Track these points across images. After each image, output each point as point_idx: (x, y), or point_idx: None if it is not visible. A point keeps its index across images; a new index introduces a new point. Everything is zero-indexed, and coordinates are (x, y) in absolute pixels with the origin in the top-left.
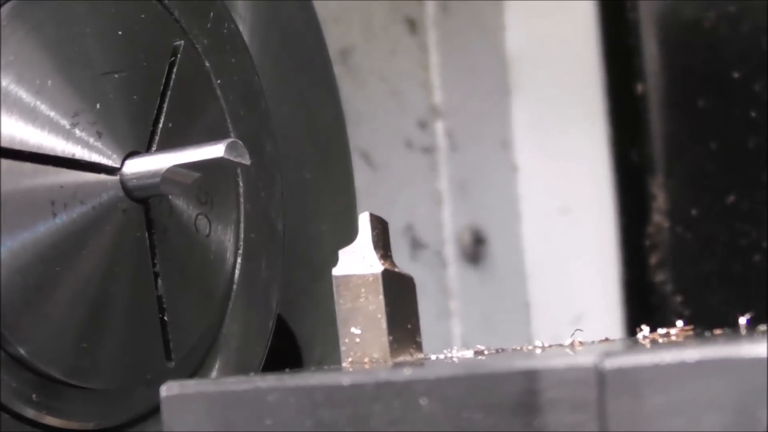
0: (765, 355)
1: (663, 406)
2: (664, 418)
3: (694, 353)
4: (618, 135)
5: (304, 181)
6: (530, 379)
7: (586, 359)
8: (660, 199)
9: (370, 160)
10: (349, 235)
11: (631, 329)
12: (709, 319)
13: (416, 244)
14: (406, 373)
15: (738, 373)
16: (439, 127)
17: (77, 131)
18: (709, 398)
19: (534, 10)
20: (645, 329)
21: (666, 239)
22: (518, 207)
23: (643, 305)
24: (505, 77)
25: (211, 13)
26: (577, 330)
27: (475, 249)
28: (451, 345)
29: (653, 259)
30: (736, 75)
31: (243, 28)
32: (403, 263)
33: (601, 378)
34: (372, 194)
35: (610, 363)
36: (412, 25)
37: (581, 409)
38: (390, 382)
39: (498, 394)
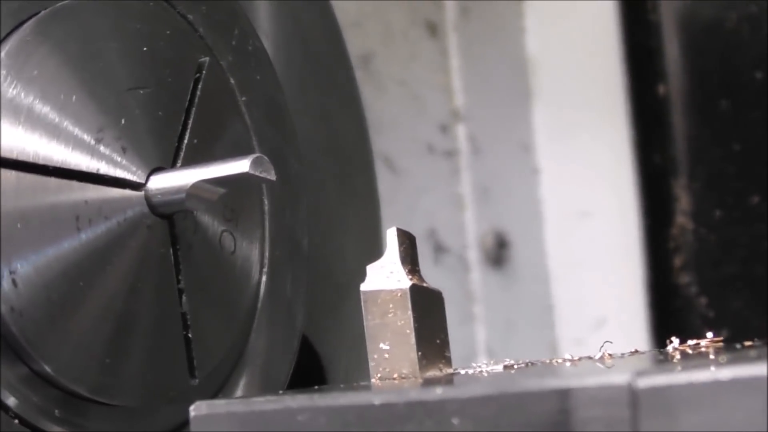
0: None
1: (697, 425)
2: None
3: (727, 372)
4: (640, 137)
5: (327, 195)
6: (563, 398)
7: (619, 378)
8: (683, 201)
9: (392, 165)
10: (373, 250)
11: (656, 332)
12: (734, 321)
13: (439, 249)
14: (438, 392)
15: None
16: (461, 131)
17: (102, 147)
18: (743, 417)
19: (554, 12)
20: (675, 341)
21: (690, 241)
22: (541, 210)
23: (667, 308)
24: (525, 80)
25: (236, 30)
26: (606, 342)
27: (497, 253)
28: (475, 350)
29: (677, 262)
30: (758, 76)
31: (266, 44)
32: (426, 268)
33: (634, 397)
34: (394, 200)
35: (644, 382)
36: (432, 29)
37: (615, 429)
38: (422, 402)
39: (531, 414)
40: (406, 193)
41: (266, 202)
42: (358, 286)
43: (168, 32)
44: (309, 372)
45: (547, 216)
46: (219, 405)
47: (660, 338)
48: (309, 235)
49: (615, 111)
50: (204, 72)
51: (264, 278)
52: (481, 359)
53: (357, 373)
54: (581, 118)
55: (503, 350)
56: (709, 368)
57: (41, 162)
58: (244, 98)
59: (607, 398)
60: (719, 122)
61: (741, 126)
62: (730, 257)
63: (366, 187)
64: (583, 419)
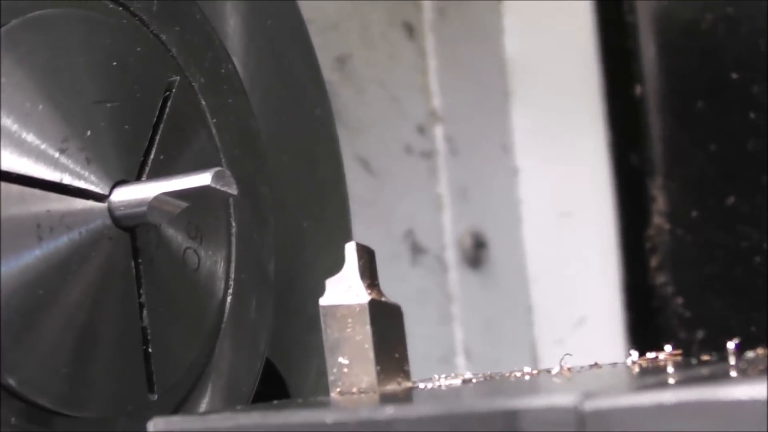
0: (742, 398)
1: None
2: None
3: (671, 396)
4: (617, 138)
5: (301, 231)
6: (510, 419)
7: (566, 399)
8: (660, 201)
9: (370, 166)
10: None
11: (633, 332)
12: (711, 322)
13: (417, 250)
14: (389, 411)
15: (715, 416)
16: (439, 131)
17: (66, 157)
18: None
19: (532, 13)
20: (634, 354)
21: (666, 242)
22: (519, 211)
23: (644, 308)
24: (504, 81)
25: (209, 53)
26: (566, 354)
27: (476, 253)
28: (453, 350)
29: (654, 262)
30: (734, 77)
31: (245, 76)
32: (404, 269)
33: (580, 419)
34: (372, 201)
35: (590, 405)
36: (410, 31)
37: None
38: (373, 421)
39: None
40: (384, 194)
41: (233, 223)
42: None
43: (139, 49)
44: (277, 395)
45: (526, 216)
46: (175, 422)
47: (637, 338)
48: (280, 270)
49: (593, 112)
50: (174, 91)
51: (229, 298)
52: (459, 359)
53: (320, 395)
54: (559, 119)
55: (482, 350)
56: (655, 390)
57: (3, 169)
58: (214, 120)
59: (554, 420)
60: (696, 123)
61: (717, 127)
62: (707, 258)
63: (340, 227)
64: None
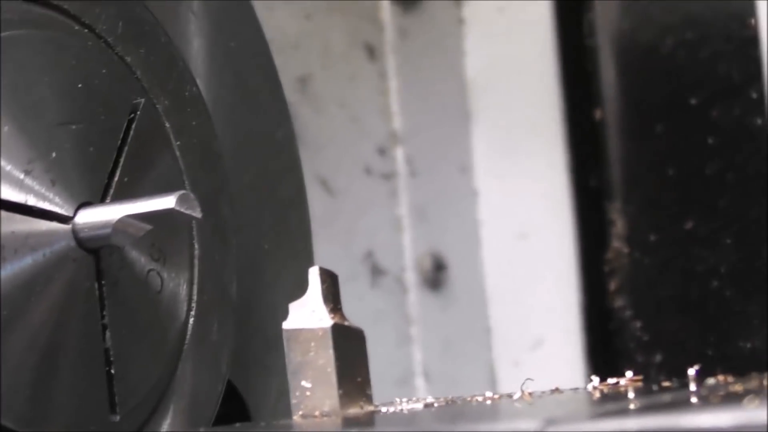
0: (704, 427)
1: None
2: None
3: (634, 423)
4: (576, 160)
5: (262, 251)
6: None
7: (528, 426)
8: (618, 224)
9: (329, 187)
10: None
11: (591, 354)
12: (668, 345)
13: (376, 271)
14: None
15: None
16: (399, 153)
17: (30, 179)
18: None
19: (494, 34)
20: (595, 380)
21: (624, 265)
22: (478, 232)
23: (602, 330)
24: (464, 102)
25: (174, 75)
26: (527, 379)
27: (435, 275)
28: (412, 371)
29: (612, 285)
30: (693, 101)
31: (208, 98)
32: (363, 290)
33: None
34: (331, 221)
35: (553, 430)
36: (371, 51)
37: None
38: None
39: None
40: (343, 214)
41: (196, 245)
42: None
43: (104, 71)
44: (235, 421)
45: (485, 238)
46: None
47: (595, 361)
48: (241, 290)
49: (552, 134)
50: (138, 113)
51: (191, 320)
52: (418, 380)
53: (281, 417)
54: (520, 141)
55: (440, 372)
56: (617, 418)
57: None
58: (178, 142)
59: None
60: (655, 147)
61: (676, 151)
62: (665, 281)
63: (301, 248)
64: None
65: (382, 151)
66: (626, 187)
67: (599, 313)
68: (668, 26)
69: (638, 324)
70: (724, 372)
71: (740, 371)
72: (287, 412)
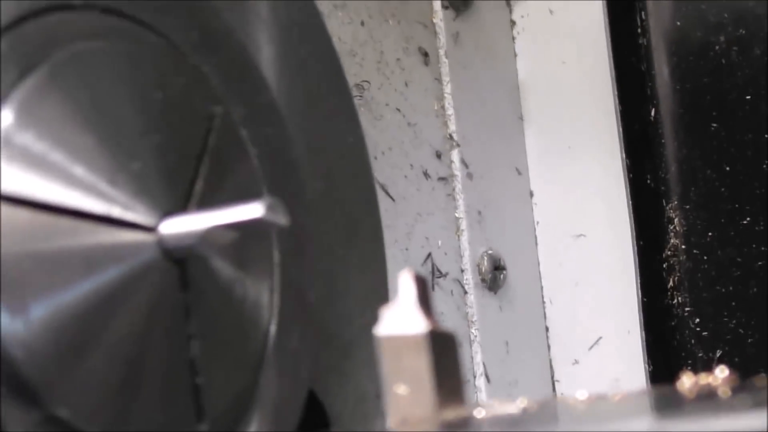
0: None
1: None
2: None
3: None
4: (632, 160)
5: (334, 257)
6: None
7: (644, 425)
8: (676, 222)
9: (389, 191)
10: (378, 311)
11: (650, 351)
12: (727, 341)
13: (436, 274)
14: None
15: None
16: (455, 156)
17: (114, 190)
18: None
19: (544, 36)
20: (686, 378)
21: (683, 262)
22: (535, 233)
23: (661, 327)
24: (517, 105)
25: (248, 84)
26: (616, 380)
27: (493, 276)
28: (473, 371)
29: (671, 282)
30: (747, 98)
31: (280, 104)
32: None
33: None
34: (391, 225)
35: None
36: (426, 57)
37: None
38: None
39: None
40: (403, 218)
41: (275, 253)
42: (361, 346)
43: (182, 82)
44: (317, 421)
45: (541, 239)
46: None
47: (653, 357)
48: (315, 297)
49: (607, 134)
50: (216, 122)
51: (272, 328)
52: (479, 381)
53: (357, 422)
54: (573, 142)
55: (500, 371)
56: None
57: (54, 203)
58: (255, 150)
59: None
60: (710, 145)
61: (731, 148)
62: (723, 277)
63: (374, 253)
64: None
65: (439, 155)
66: (682, 185)
67: (658, 310)
68: (720, 24)
69: (697, 320)
70: None
71: None
72: (365, 418)
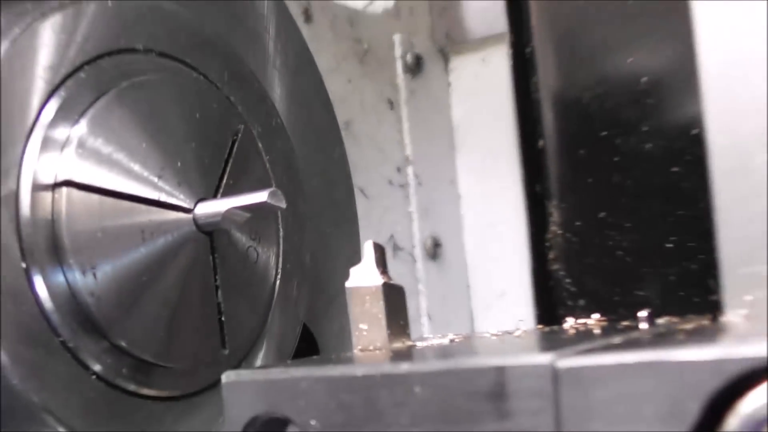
0: (689, 359)
1: (606, 397)
2: (607, 406)
3: (631, 356)
4: (527, 174)
5: (325, 233)
6: (500, 373)
7: (543, 359)
8: (555, 215)
9: (365, 193)
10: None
11: (538, 302)
12: (589, 296)
13: (396, 248)
14: (405, 367)
15: (670, 373)
16: (410, 170)
17: (162, 182)
18: (645, 392)
19: (470, 92)
20: (570, 320)
21: (559, 242)
22: (462, 222)
23: (545, 285)
24: (452, 136)
25: (264, 110)
26: (520, 321)
27: (434, 250)
28: (420, 314)
29: (551, 255)
30: (604, 134)
31: (287, 125)
32: (388, 261)
33: (555, 374)
34: (367, 216)
35: (562, 363)
36: (391, 104)
37: (540, 397)
38: (392, 374)
39: (475, 385)
40: (375, 212)
41: (281, 229)
42: (341, 297)
43: (215, 105)
44: (310, 348)
45: (466, 226)
46: (244, 374)
47: (540, 305)
48: (311, 261)
49: (510, 158)
50: (239, 135)
51: (278, 282)
52: (423, 320)
53: (340, 349)
54: (488, 163)
55: (438, 314)
56: (613, 352)
57: (117, 190)
58: (267, 157)
59: (535, 374)
60: (577, 166)
61: (593, 167)
62: (586, 252)
63: (351, 232)
64: (516, 390)
65: (399, 169)
66: (559, 191)
67: (543, 274)
68: (587, 85)
69: (568, 281)
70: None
71: (635, 312)
72: (347, 348)
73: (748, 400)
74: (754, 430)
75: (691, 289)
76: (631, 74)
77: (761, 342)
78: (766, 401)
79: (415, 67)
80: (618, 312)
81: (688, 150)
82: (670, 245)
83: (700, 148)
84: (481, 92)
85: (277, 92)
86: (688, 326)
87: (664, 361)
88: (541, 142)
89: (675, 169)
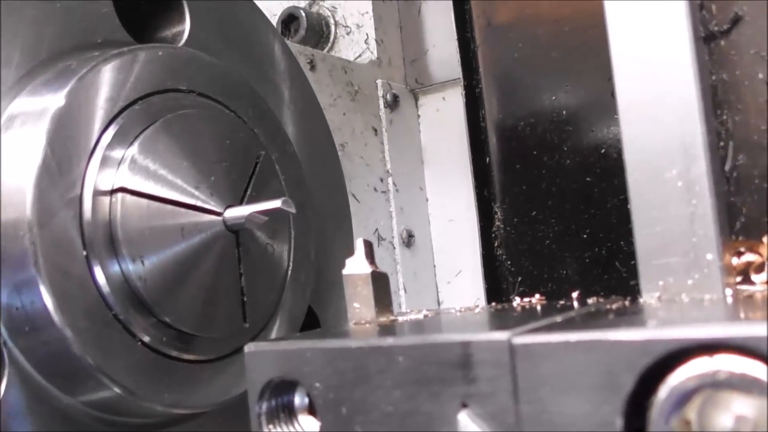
0: (623, 339)
1: (553, 368)
2: (554, 376)
3: (574, 335)
4: (478, 182)
5: (326, 231)
6: (467, 347)
7: (501, 335)
8: (499, 214)
9: (357, 198)
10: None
11: (487, 279)
12: (525, 275)
13: (380, 239)
14: (389, 341)
15: (606, 350)
16: (390, 180)
17: (198, 192)
18: (586, 365)
19: (434, 122)
20: (517, 299)
21: (502, 234)
22: (429, 219)
23: (491, 266)
24: (420, 155)
25: (279, 139)
26: (478, 300)
27: (408, 240)
28: (398, 288)
29: (496, 243)
30: (535, 152)
31: (298, 151)
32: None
33: (512, 348)
34: (358, 215)
35: (517, 340)
36: (375, 131)
37: (499, 367)
38: (379, 347)
39: (447, 356)
40: (363, 212)
41: (292, 229)
42: (340, 283)
43: (242, 135)
44: (313, 324)
45: (432, 222)
46: (263, 345)
47: (488, 284)
48: (316, 253)
49: (465, 170)
50: (260, 159)
51: (289, 270)
52: (401, 293)
53: (337, 324)
54: (449, 174)
55: (411, 288)
56: (559, 331)
57: (163, 197)
58: (282, 176)
59: (495, 348)
60: (516, 177)
61: (527, 178)
62: (521, 241)
63: (347, 230)
64: (480, 360)
65: (382, 180)
66: (501, 196)
67: (490, 258)
68: (522, 116)
69: (509, 263)
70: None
71: (562, 290)
72: (340, 324)
73: (676, 373)
74: (681, 399)
75: (602, 268)
76: (555, 108)
77: (687, 325)
78: (693, 374)
79: (393, 103)
80: (547, 286)
81: (598, 164)
82: (585, 236)
83: (607, 162)
84: (442, 122)
85: (291, 128)
86: (614, 306)
87: (602, 340)
88: (487, 159)
89: (588, 178)
